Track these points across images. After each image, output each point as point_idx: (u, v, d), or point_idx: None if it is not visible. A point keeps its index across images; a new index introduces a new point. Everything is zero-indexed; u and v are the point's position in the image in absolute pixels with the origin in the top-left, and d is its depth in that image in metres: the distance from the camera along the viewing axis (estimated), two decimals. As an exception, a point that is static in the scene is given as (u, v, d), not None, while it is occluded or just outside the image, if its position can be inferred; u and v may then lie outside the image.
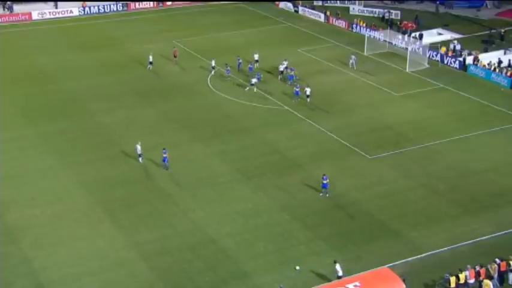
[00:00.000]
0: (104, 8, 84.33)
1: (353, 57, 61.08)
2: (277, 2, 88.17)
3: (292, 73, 56.63)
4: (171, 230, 35.98)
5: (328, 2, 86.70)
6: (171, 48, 65.61)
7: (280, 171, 41.89)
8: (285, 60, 59.50)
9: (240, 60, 60.19)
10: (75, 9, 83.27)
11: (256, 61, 60.47)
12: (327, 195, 38.74)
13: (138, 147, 42.73)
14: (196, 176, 41.50)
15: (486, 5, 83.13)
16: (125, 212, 37.71)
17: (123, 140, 46.16)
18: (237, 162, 43.16)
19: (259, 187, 40.10)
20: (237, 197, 39.10)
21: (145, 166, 42.37)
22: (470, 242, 34.57)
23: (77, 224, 36.61)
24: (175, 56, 63.12)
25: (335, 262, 31.58)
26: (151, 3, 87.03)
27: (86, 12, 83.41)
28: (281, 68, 58.19)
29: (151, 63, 61.32)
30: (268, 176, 41.38)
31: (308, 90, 52.08)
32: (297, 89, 52.69)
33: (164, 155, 41.80)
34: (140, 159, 42.74)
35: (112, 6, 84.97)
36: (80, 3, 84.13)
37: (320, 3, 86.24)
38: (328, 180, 38.69)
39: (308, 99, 51.79)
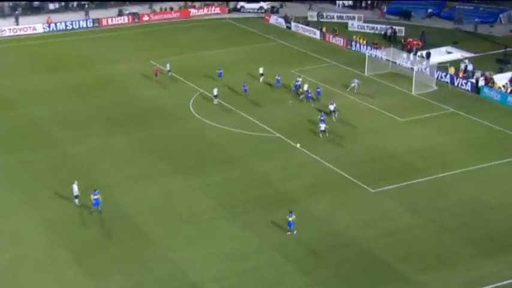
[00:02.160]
0: (72, 24, 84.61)
1: (356, 80, 61.38)
2: (267, 17, 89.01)
3: (319, 89, 57.80)
4: (148, 274, 35.57)
5: (324, 17, 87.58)
6: (148, 69, 65.70)
7: (272, 206, 41.71)
8: (299, 77, 61.21)
9: (246, 86, 59.94)
10: (39, 26, 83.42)
11: (262, 74, 62.64)
12: (295, 232, 38.54)
13: (75, 187, 41.74)
14: (177, 212, 41.23)
15: (500, 20, 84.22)
16: (94, 254, 37.28)
17: (93, 172, 45.85)
18: (222, 196, 42.98)
19: (248, 225, 39.85)
20: (222, 236, 38.81)
21: (81, 210, 41.16)
22: (488, 287, 34.39)
23: (39, 269, 36.10)
24: (156, 75, 63.39)
25: None
26: (126, 18, 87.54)
27: (51, 29, 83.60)
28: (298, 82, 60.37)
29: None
30: (258, 212, 41.19)
31: (323, 126, 50.68)
32: (322, 118, 51.64)
33: (95, 197, 40.40)
34: (77, 201, 41.77)
35: (81, 22, 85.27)
36: (45, 18, 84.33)
37: (315, 18, 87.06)
38: (294, 217, 38.41)
39: (323, 135, 50.92)
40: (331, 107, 54.41)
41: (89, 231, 39.38)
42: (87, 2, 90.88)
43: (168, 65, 64.93)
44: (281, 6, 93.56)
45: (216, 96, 57.98)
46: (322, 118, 51.62)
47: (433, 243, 38.13)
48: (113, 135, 52.46)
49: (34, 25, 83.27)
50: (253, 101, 58.77)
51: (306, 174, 45.93)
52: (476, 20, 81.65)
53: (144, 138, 51.93)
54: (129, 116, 56.42)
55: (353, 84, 61.05)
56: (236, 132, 52.80)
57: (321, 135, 51.05)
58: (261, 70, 63.01)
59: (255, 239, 38.46)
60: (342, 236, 38.84)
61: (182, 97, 60.34)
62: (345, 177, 45.30)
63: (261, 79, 62.90)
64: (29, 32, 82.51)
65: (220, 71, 63.48)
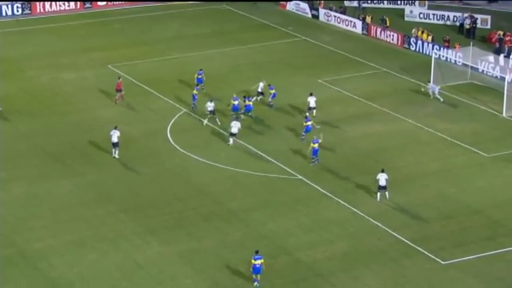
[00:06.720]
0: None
1: (431, 85, 62.76)
2: (283, 2, 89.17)
3: None
4: None
5: (369, 1, 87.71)
6: (106, 78, 65.73)
7: (291, 285, 41.32)
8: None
9: (236, 101, 59.78)
10: None
11: (261, 93, 62.43)
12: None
13: None
14: (147, 295, 41.04)
15: None
16: None
17: (19, 233, 45.64)
18: (216, 270, 42.65)
19: (255, 314, 39.68)
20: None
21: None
22: None
23: None
24: (118, 91, 63.12)
25: None
26: (72, 3, 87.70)
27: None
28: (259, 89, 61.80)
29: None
30: (269, 294, 40.92)
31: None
32: (316, 144, 52.95)
33: None
34: None
35: (4, 8, 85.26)
36: None
37: (355, 3, 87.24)
38: (262, 261, 38.86)
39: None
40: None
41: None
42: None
43: (261, 84, 63.19)
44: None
45: (211, 113, 58.56)
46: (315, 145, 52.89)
47: None
48: (50, 178, 52.37)
49: None
50: (263, 124, 58.74)
51: (342, 237, 45.64)
52: None
53: (98, 182, 51.82)
54: (76, 148, 56.40)
55: (436, 90, 62.78)
56: (237, 172, 52.67)
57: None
58: (261, 85, 62.56)
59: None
60: (398, 331, 38.61)
61: (156, 120, 60.38)
62: (401, 242, 44.97)
63: (258, 98, 62.65)
64: None
65: (200, 76, 63.91)
